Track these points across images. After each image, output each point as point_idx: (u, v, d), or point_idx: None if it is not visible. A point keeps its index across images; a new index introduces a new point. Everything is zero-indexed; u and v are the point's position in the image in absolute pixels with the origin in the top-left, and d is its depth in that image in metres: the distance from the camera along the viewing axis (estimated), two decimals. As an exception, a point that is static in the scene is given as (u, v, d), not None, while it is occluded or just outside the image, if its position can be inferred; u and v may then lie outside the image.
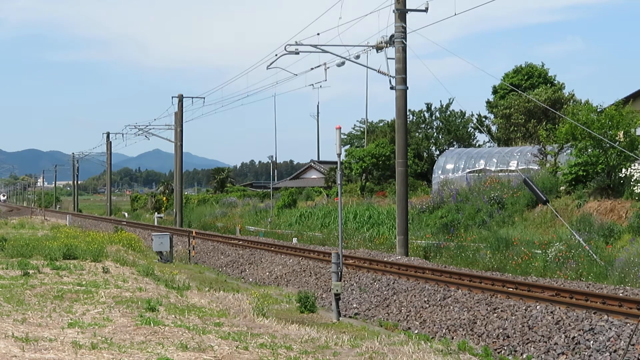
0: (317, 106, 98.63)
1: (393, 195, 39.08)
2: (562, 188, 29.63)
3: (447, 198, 35.73)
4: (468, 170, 40.39)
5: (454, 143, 56.89)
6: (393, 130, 43.45)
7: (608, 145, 26.50)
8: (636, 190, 26.27)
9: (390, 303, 19.20)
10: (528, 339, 14.14)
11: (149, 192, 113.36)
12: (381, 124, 65.72)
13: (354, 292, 21.25)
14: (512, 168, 37.30)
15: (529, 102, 44.63)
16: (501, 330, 14.92)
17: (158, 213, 69.74)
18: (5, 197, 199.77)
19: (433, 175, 43.20)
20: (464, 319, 16.21)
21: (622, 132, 27.38)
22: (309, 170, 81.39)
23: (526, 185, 27.53)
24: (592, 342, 13.13)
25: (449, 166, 42.12)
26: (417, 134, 56.68)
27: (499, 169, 38.56)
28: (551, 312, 14.97)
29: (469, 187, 35.89)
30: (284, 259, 29.37)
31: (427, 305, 18.00)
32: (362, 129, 67.58)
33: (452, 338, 15.20)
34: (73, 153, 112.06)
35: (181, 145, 59.65)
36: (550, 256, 22.95)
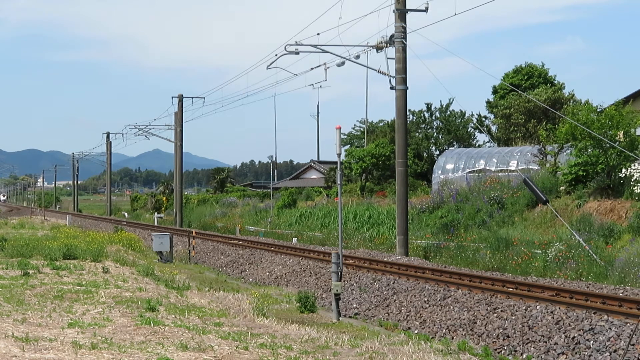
0: (317, 106, 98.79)
1: (393, 195, 39.09)
2: (562, 188, 29.63)
3: (447, 198, 35.74)
4: (468, 170, 40.40)
5: (454, 143, 56.90)
6: (393, 130, 43.45)
7: (608, 145, 26.50)
8: (636, 190, 26.27)
9: (390, 303, 19.20)
10: (528, 339, 14.14)
11: (149, 192, 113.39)
12: (381, 124, 65.73)
13: (354, 292, 21.25)
14: (512, 168, 37.31)
15: (529, 102, 44.63)
16: (501, 330, 14.93)
17: (158, 213, 69.74)
18: (5, 197, 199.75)
19: (433, 175, 43.20)
20: (464, 319, 16.21)
21: (622, 132, 27.38)
22: (309, 170, 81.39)
23: (526, 185, 27.53)
24: (592, 342, 13.13)
25: (449, 166, 42.12)
26: (417, 134, 56.69)
27: (499, 169, 38.57)
28: (551, 312, 14.97)
29: (469, 187, 35.90)
30: (284, 259, 29.37)
31: (427, 305, 18.00)
32: (362, 129, 67.59)
33: (452, 338, 15.20)
34: (73, 153, 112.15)
35: (181, 145, 59.65)
36: (550, 256, 22.95)
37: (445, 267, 23.20)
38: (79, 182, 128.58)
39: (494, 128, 53.23)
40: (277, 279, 26.37)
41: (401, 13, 27.48)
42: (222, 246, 37.33)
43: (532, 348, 13.73)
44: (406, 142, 28.85)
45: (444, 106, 58.30)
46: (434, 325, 16.56)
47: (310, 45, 29.34)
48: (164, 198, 77.06)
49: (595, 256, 21.88)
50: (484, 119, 55.53)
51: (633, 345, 12.51)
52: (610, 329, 13.37)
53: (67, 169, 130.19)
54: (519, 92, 42.98)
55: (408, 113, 38.77)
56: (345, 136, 68.41)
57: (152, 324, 12.15)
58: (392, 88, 27.80)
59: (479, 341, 14.78)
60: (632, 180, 26.88)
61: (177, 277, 22.25)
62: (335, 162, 23.38)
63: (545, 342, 13.76)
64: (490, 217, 30.96)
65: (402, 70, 27.70)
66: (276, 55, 30.84)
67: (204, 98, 56.70)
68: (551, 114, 42.38)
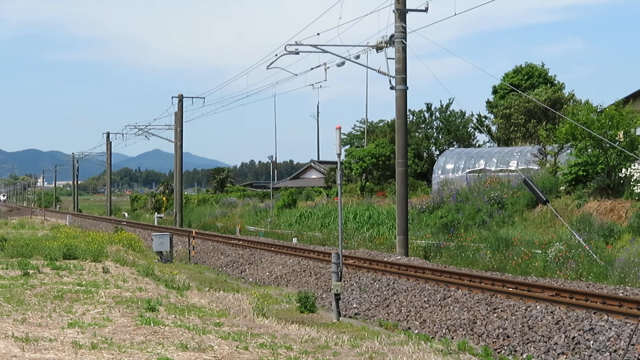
0: (317, 106, 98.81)
1: (393, 195, 39.08)
2: (562, 188, 29.63)
3: (447, 198, 35.73)
4: (468, 170, 40.40)
5: (454, 143, 56.90)
6: (393, 130, 43.45)
7: (608, 145, 26.50)
8: (636, 190, 26.27)
9: (390, 303, 19.20)
10: (528, 339, 14.14)
11: (149, 192, 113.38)
12: (381, 124, 65.73)
13: (354, 292, 21.25)
14: (512, 168, 37.31)
15: (529, 102, 44.63)
16: (501, 330, 14.93)
17: (158, 213, 69.74)
18: (5, 197, 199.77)
19: (433, 175, 43.20)
20: (464, 319, 16.21)
21: (622, 132, 27.38)
22: (309, 170, 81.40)
23: (526, 185, 27.53)
24: (592, 342, 13.13)
25: (449, 166, 42.13)
26: (417, 134, 56.69)
27: (499, 169, 38.56)
28: (551, 312, 14.97)
29: (469, 187, 35.90)
30: (284, 259, 29.38)
31: (427, 305, 18.00)
32: (362, 129, 67.59)
33: (452, 338, 15.20)
34: (73, 153, 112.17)
35: (181, 145, 59.65)
36: (550, 256, 22.95)
37: (445, 267, 23.21)
38: (79, 182, 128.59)
39: (494, 128, 53.24)
40: (277, 279, 26.37)
41: (401, 13, 27.48)
42: (222, 246, 37.33)
43: (532, 348, 13.73)
44: (406, 142, 28.85)
45: (444, 106, 58.33)
46: (434, 325, 16.56)
47: (310, 45, 29.35)
48: (164, 198, 77.06)
49: (595, 256, 21.88)
50: (484, 119, 55.56)
51: (633, 345, 12.51)
52: (610, 329, 13.37)
53: (67, 169, 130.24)
54: (519, 92, 42.99)
55: (408, 113, 38.79)
56: (345, 136, 68.43)
57: (152, 324, 12.15)
58: (392, 88, 27.80)
59: (479, 341, 14.78)
60: (632, 180, 26.88)
61: (177, 277, 22.25)
62: (335, 162, 23.38)
63: (545, 342, 13.76)
64: (490, 217, 30.96)
65: (402, 70, 27.70)
66: (276, 55, 30.87)
67: (204, 98, 56.79)
68: (551, 114, 42.38)
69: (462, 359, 11.45)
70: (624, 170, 27.51)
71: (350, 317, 18.57)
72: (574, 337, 13.50)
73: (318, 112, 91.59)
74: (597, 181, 27.50)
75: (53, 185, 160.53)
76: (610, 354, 12.51)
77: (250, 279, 27.61)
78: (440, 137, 57.88)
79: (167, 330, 11.76)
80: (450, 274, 21.18)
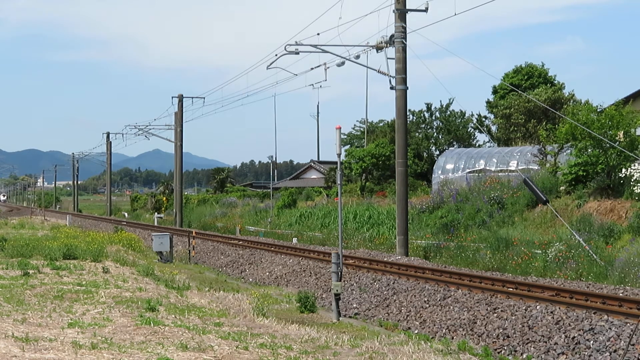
0: (317, 106, 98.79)
1: (393, 195, 39.08)
2: (562, 188, 29.63)
3: (447, 198, 35.74)
4: (468, 170, 40.40)
5: (454, 143, 56.90)
6: (393, 130, 43.45)
7: (608, 145, 26.50)
8: (636, 190, 26.27)
9: (390, 303, 19.19)
10: (528, 339, 14.14)
11: (148, 192, 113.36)
12: (381, 124, 65.73)
13: (354, 292, 21.25)
14: (512, 168, 37.31)
15: (529, 102, 44.63)
16: (501, 330, 14.93)
17: (158, 213, 69.75)
18: (5, 197, 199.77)
19: (433, 175, 43.20)
20: (464, 319, 16.21)
21: (622, 132, 27.38)
22: (309, 170, 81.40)
23: (526, 185, 27.53)
24: (592, 342, 13.13)
25: (449, 166, 42.13)
26: (417, 134, 56.69)
27: (499, 169, 38.56)
28: (551, 312, 14.97)
29: (469, 187, 35.90)
30: (284, 259, 29.38)
31: (427, 305, 18.00)
32: (362, 129, 67.59)
33: (452, 338, 15.20)
34: (73, 153, 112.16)
35: (181, 145, 59.66)
36: (550, 256, 22.95)
37: (445, 267, 23.20)
38: (79, 182, 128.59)
39: (494, 128, 53.24)
40: (277, 279, 26.37)
41: (401, 13, 27.48)
42: (222, 246, 37.33)
43: (532, 348, 13.73)
44: (406, 142, 28.86)
45: (444, 106, 58.34)
46: (434, 325, 16.57)
47: (310, 45, 29.35)
48: (164, 198, 77.06)
49: (595, 256, 21.88)
50: (484, 119, 55.56)
51: (633, 345, 12.51)
52: (610, 329, 13.37)
53: (67, 169, 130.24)
54: (519, 92, 42.99)
55: (408, 113, 38.78)
56: (345, 136, 68.42)
57: (152, 324, 12.15)
58: (392, 88, 27.80)
59: (479, 341, 14.78)
60: (632, 180, 26.88)
61: (177, 277, 22.25)
62: (335, 162, 23.38)
63: (545, 342, 13.76)
64: (490, 217, 30.96)
65: (402, 70, 27.70)
66: (276, 55, 30.87)
67: (204, 98, 56.79)
68: (551, 114, 42.39)
69: (462, 359, 11.45)
70: (624, 170, 27.51)
71: (350, 317, 18.57)
72: (574, 337, 13.50)
73: (318, 112, 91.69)
74: (597, 181, 27.50)
75: (53, 185, 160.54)
76: (610, 354, 12.51)
77: (250, 279, 27.61)
78: (440, 137, 57.89)
79: (167, 330, 11.76)
80: (450, 274, 21.19)
